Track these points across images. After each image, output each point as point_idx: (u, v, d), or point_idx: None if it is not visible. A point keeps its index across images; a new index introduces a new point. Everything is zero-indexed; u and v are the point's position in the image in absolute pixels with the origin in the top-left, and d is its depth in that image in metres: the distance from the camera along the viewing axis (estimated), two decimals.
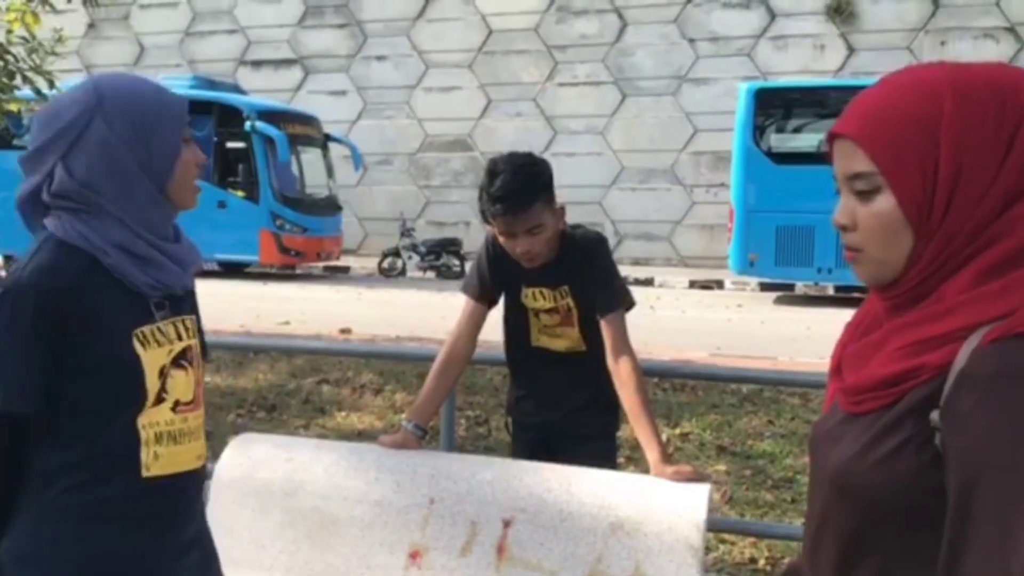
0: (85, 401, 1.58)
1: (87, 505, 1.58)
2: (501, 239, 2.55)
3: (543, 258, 2.54)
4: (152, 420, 1.62)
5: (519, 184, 2.43)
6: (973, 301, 0.96)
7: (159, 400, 1.63)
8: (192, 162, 1.67)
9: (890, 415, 0.99)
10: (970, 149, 0.98)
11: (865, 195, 1.04)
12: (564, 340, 2.68)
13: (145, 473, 1.61)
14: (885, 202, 1.02)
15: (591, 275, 2.57)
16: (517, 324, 2.74)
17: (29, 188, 1.59)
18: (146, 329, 1.61)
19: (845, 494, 1.03)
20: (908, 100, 1.02)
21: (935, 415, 0.95)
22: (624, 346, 2.51)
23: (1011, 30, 16.30)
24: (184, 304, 1.73)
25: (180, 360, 1.67)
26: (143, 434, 1.61)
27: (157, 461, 1.62)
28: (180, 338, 1.68)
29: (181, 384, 1.67)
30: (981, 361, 0.92)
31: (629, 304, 2.60)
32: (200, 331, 1.80)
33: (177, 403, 1.66)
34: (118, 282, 1.58)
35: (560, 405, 2.72)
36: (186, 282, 1.72)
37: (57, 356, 1.54)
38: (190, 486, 1.73)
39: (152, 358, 1.61)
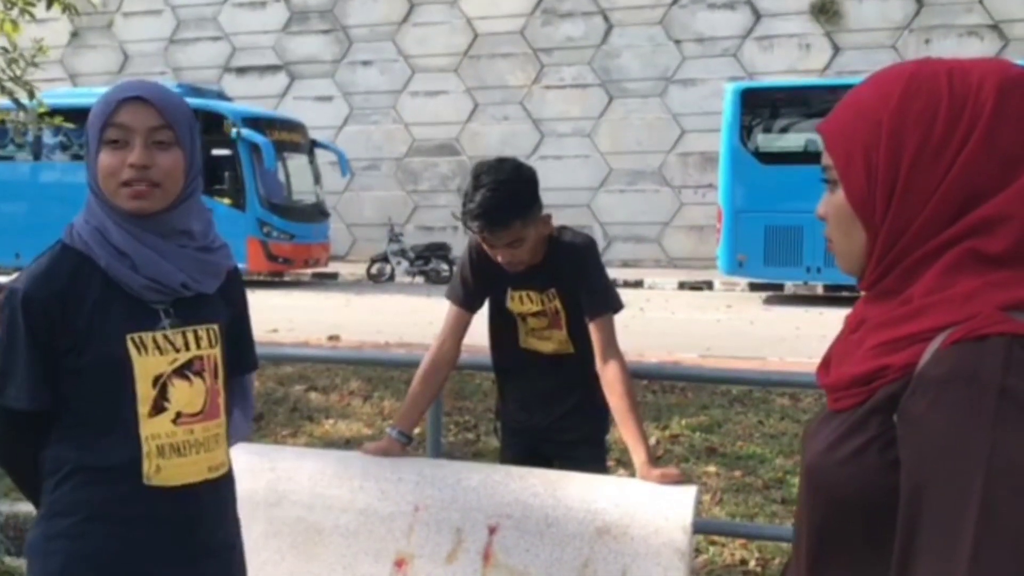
0: (83, 405, 1.60)
1: (90, 503, 1.60)
2: (484, 246, 2.54)
3: (526, 264, 2.54)
4: (153, 432, 1.61)
5: (497, 202, 2.40)
6: (940, 304, 0.93)
7: (159, 410, 1.61)
8: (110, 165, 1.59)
9: (859, 413, 0.97)
10: (912, 146, 0.96)
11: (832, 187, 1.05)
12: (552, 342, 2.67)
13: (147, 482, 1.61)
14: (840, 195, 1.03)
15: (579, 278, 2.56)
16: (504, 327, 2.72)
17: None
18: (145, 335, 1.60)
19: (814, 490, 1.02)
20: (864, 95, 1.02)
21: (897, 416, 0.93)
22: (612, 349, 2.50)
23: (995, 27, 16.39)
24: (203, 312, 1.68)
25: (186, 370, 1.64)
26: (145, 447, 1.60)
27: (159, 473, 1.61)
28: (189, 348, 1.65)
29: (185, 395, 1.64)
30: (937, 363, 0.89)
31: (617, 307, 2.58)
32: (245, 337, 1.84)
33: (179, 414, 1.63)
34: (117, 287, 1.59)
35: (549, 409, 2.70)
36: (189, 282, 1.65)
37: (52, 357, 1.58)
38: (203, 496, 1.69)
39: (147, 365, 1.60)
